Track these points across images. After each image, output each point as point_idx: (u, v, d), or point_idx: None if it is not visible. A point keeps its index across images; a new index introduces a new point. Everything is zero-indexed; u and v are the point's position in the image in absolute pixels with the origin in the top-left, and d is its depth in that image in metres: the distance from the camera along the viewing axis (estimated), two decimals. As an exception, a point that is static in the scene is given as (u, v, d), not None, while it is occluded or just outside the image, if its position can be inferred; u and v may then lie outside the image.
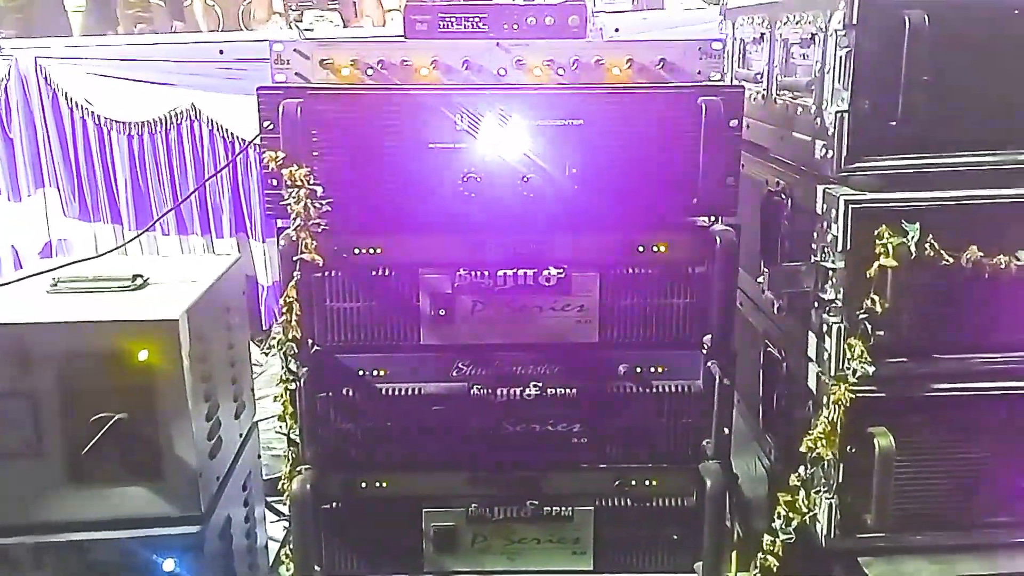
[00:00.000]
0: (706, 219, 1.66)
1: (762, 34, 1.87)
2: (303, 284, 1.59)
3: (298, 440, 1.65)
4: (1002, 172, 1.52)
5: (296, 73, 1.63)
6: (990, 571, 1.63)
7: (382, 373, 1.68)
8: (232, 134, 3.69)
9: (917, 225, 1.50)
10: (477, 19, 1.67)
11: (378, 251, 1.64)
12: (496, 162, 1.60)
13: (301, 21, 3.83)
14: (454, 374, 1.69)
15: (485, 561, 1.74)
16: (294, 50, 1.62)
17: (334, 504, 1.71)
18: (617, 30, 3.77)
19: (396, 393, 1.68)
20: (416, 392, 1.68)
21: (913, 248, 1.49)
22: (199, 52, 3.80)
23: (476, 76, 1.64)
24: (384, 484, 1.72)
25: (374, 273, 1.64)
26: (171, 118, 3.75)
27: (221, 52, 3.72)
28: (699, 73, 1.65)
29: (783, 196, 1.80)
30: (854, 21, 1.45)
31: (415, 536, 1.73)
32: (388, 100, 1.58)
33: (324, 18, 3.82)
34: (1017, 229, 1.52)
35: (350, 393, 1.67)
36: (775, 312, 1.89)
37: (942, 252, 1.50)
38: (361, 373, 1.68)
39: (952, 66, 1.48)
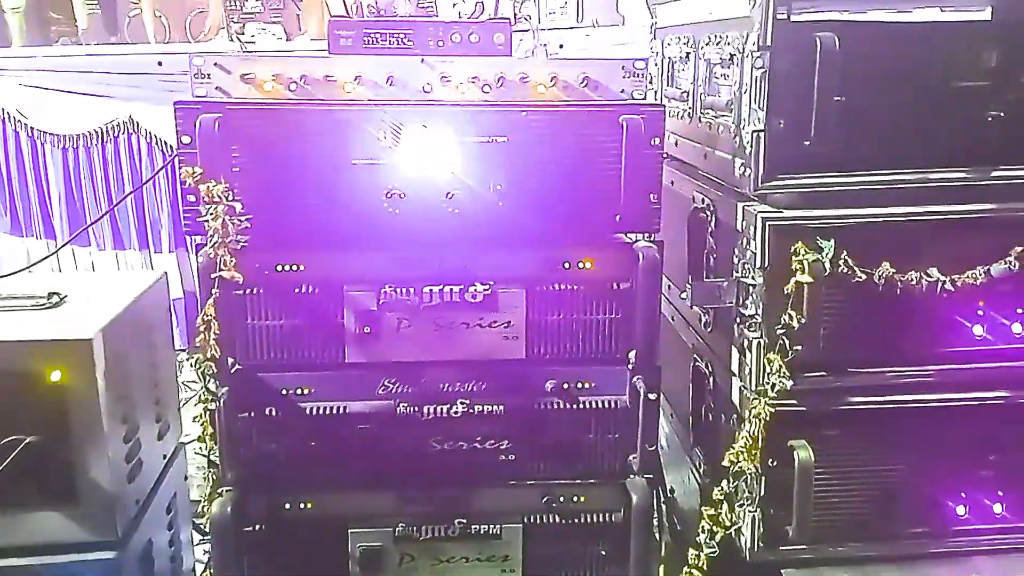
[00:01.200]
0: (631, 236, 1.68)
1: (687, 54, 1.90)
2: (223, 302, 1.56)
3: (218, 461, 1.61)
4: (913, 190, 1.56)
5: (217, 87, 1.61)
6: (908, 581, 1.66)
7: (306, 392, 1.65)
8: (171, 147, 3.63)
9: (832, 242, 1.53)
10: (402, 35, 1.67)
11: (301, 268, 1.62)
12: (420, 178, 1.60)
13: (243, 34, 3.78)
14: (380, 392, 1.67)
15: (413, 581, 1.72)
16: (215, 64, 1.60)
17: (257, 526, 1.68)
18: (561, 46, 3.80)
19: (321, 412, 1.65)
20: (341, 411, 1.66)
21: (828, 264, 1.52)
22: (138, 64, 3.73)
23: (401, 92, 1.63)
24: (309, 505, 1.69)
25: (297, 290, 1.62)
26: (108, 131, 3.68)
27: (160, 64, 3.66)
28: (623, 91, 1.67)
29: (708, 213, 1.82)
30: (768, 43, 1.49)
31: (341, 558, 1.70)
32: (310, 115, 1.57)
33: (267, 31, 3.78)
34: (928, 246, 1.56)
35: (273, 412, 1.65)
36: (703, 327, 1.91)
37: (855, 268, 1.53)
38: (284, 392, 1.65)
39: (863, 87, 1.52)
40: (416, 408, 1.67)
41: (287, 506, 1.68)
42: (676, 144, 2.07)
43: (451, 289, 1.64)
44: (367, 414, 1.66)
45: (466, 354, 1.67)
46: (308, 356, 1.64)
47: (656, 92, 2.22)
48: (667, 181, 2.14)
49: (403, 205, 1.61)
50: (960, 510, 1.66)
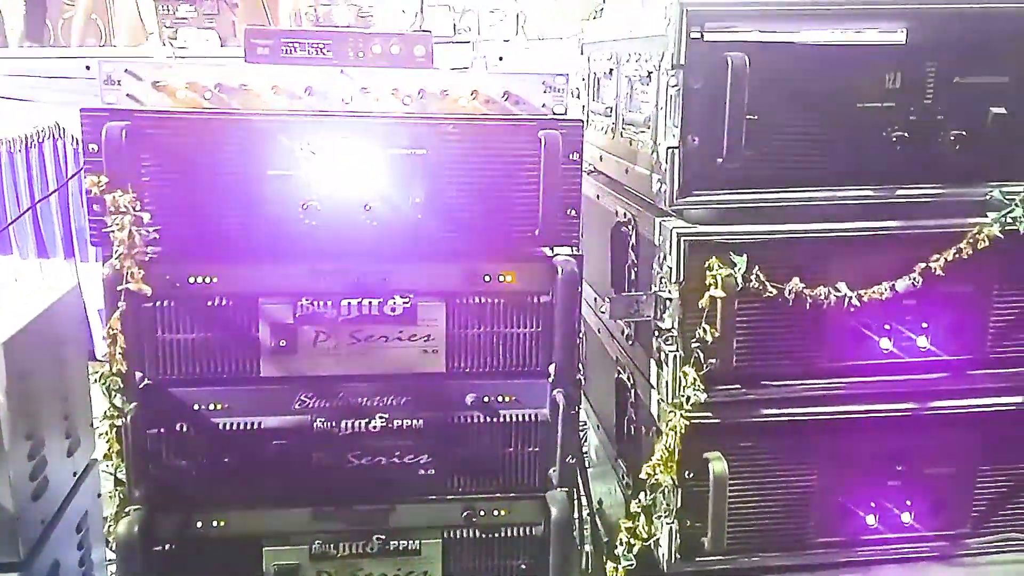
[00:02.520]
0: (551, 249, 1.68)
1: (611, 70, 1.93)
2: (131, 315, 1.52)
3: (125, 479, 1.56)
4: (822, 208, 1.60)
5: (128, 94, 1.57)
6: (821, 589, 1.70)
7: (219, 407, 1.62)
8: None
9: (744, 257, 1.56)
10: (321, 46, 1.66)
11: (214, 280, 1.58)
12: (338, 190, 1.58)
13: (175, 39, 3.71)
14: (296, 407, 1.64)
15: (330, 599, 1.69)
16: (125, 71, 1.56)
17: (167, 545, 1.63)
18: (501, 59, 3.82)
19: (234, 428, 1.62)
20: (256, 426, 1.62)
21: (740, 279, 1.55)
22: (64, 68, 3.62)
23: (320, 102, 1.61)
24: (222, 523, 1.65)
25: (210, 303, 1.58)
26: (33, 136, 3.57)
27: (88, 68, 3.56)
28: (544, 106, 1.68)
29: (629, 227, 1.84)
30: (681, 62, 1.51)
31: (256, 576, 1.67)
32: (223, 125, 1.54)
33: (200, 37, 3.71)
34: (837, 262, 1.60)
35: (184, 428, 1.60)
36: (625, 340, 1.93)
37: (767, 283, 1.56)
38: (196, 407, 1.61)
39: (774, 106, 1.55)
40: (333, 423, 1.64)
41: (199, 524, 1.64)
42: (601, 159, 2.09)
43: (370, 302, 1.62)
44: (282, 429, 1.63)
45: (385, 368, 1.65)
46: (221, 370, 1.60)
47: (584, 107, 2.24)
48: (593, 195, 2.18)
49: (320, 217, 1.59)
50: (870, 519, 1.70)
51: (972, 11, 1.57)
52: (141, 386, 1.56)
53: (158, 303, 1.55)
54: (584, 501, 2.05)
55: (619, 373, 1.99)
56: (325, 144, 1.56)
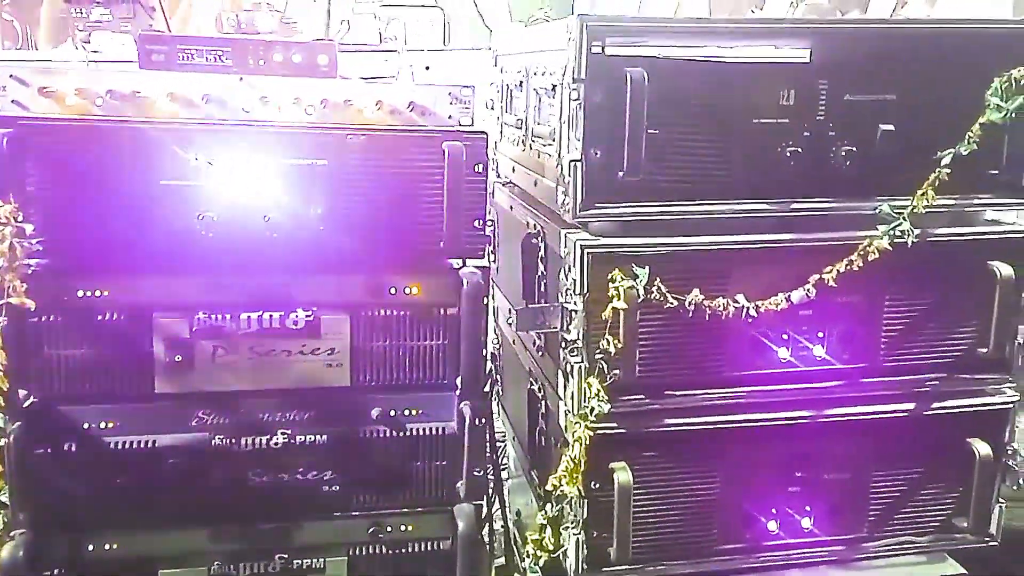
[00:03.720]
0: (457, 261, 1.68)
1: (521, 82, 1.94)
2: (14, 330, 1.46)
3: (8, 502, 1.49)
4: (720, 221, 1.63)
5: (13, 100, 1.51)
6: (725, 595, 1.73)
7: (110, 425, 1.56)
8: None
9: (647, 269, 1.58)
10: (220, 53, 1.62)
11: (105, 294, 1.53)
12: (236, 201, 1.55)
13: (89, 42, 3.58)
14: (193, 424, 1.59)
15: (230, 621, 1.64)
16: (10, 76, 1.50)
17: (56, 571, 1.56)
18: (428, 68, 3.80)
19: (127, 447, 1.56)
20: (150, 445, 1.57)
21: (642, 291, 1.57)
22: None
23: (218, 111, 1.58)
24: (115, 546, 1.59)
25: (100, 318, 1.53)
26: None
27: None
28: (450, 117, 1.67)
29: (539, 239, 1.85)
30: (582, 76, 1.52)
31: (151, 600, 1.61)
32: (114, 133, 1.49)
33: (116, 40, 3.59)
34: (735, 274, 1.63)
35: (72, 448, 1.54)
36: (536, 351, 1.94)
37: (668, 295, 1.58)
38: (87, 426, 1.55)
39: (673, 120, 1.58)
40: (233, 440, 1.60)
41: (90, 547, 1.58)
42: (514, 170, 2.10)
43: (271, 315, 1.59)
44: (179, 448, 1.58)
45: (287, 382, 1.62)
46: (113, 387, 1.55)
47: (499, 118, 2.24)
48: (507, 207, 2.19)
49: (217, 228, 1.55)
50: (771, 526, 1.74)
51: (864, 31, 1.63)
52: (26, 404, 1.49)
53: (43, 318, 1.49)
54: (500, 512, 2.06)
55: (531, 384, 1.99)
56: (222, 154, 1.53)
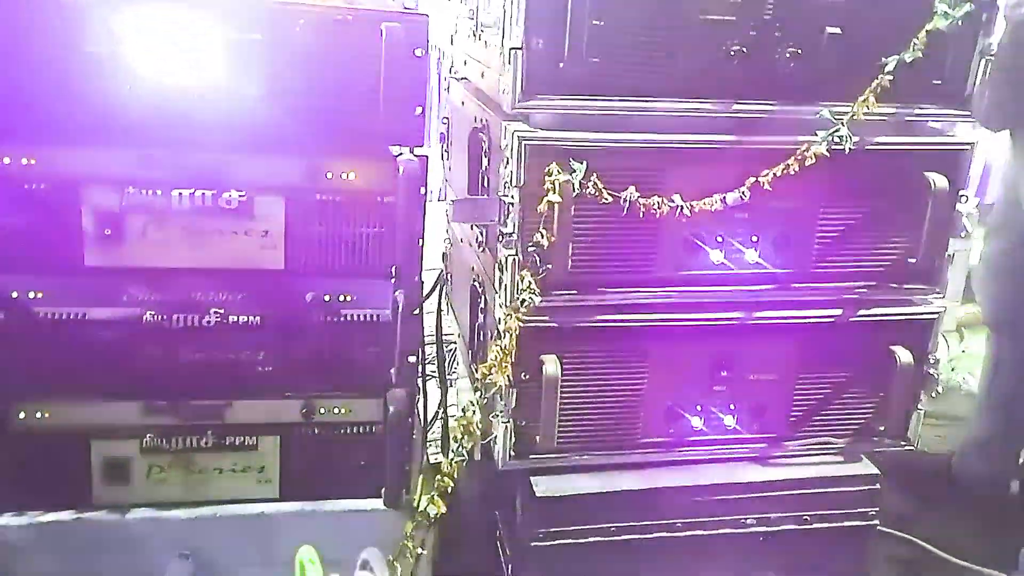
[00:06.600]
0: (396, 148, 1.66)
1: (473, -32, 1.88)
2: (-63, 195, 1.44)
3: (-64, 367, 1.50)
4: (661, 119, 1.62)
5: (-71, -44, 1.44)
6: (647, 485, 1.79)
7: (39, 296, 1.56)
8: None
9: (584, 164, 1.57)
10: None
11: (32, 162, 1.51)
12: (167, 73, 1.51)
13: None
14: (124, 299, 1.60)
15: (163, 492, 1.68)
16: (-74, -72, 1.43)
17: (-13, 436, 1.59)
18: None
19: (56, 318, 1.57)
20: (80, 317, 1.58)
21: (577, 185, 1.57)
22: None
23: (150, -21, 1.52)
24: (46, 415, 1.61)
25: (27, 187, 1.51)
26: None
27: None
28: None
29: (484, 132, 1.83)
30: (526, -41, 1.48)
31: (83, 470, 1.64)
32: (37, -5, 1.44)
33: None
34: (673, 173, 1.63)
35: (1, 316, 1.54)
36: (477, 247, 1.94)
37: (603, 191, 1.59)
38: (14, 295, 1.55)
39: (619, 12, 1.54)
40: (164, 317, 1.61)
41: (21, 415, 1.60)
42: (465, 63, 2.06)
43: (203, 194, 1.58)
44: (110, 321, 1.59)
45: (220, 262, 1.62)
46: (41, 258, 1.54)
47: (457, 13, 2.19)
48: (459, 101, 2.15)
49: (149, 101, 1.51)
50: (695, 422, 1.79)
51: (819, -70, 1.59)
52: (-49, 272, 1.49)
53: (-33, 184, 1.47)
54: (428, 403, 2.10)
55: (474, 281, 2.01)
56: (152, 22, 1.48)
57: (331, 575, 0.78)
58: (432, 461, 2.09)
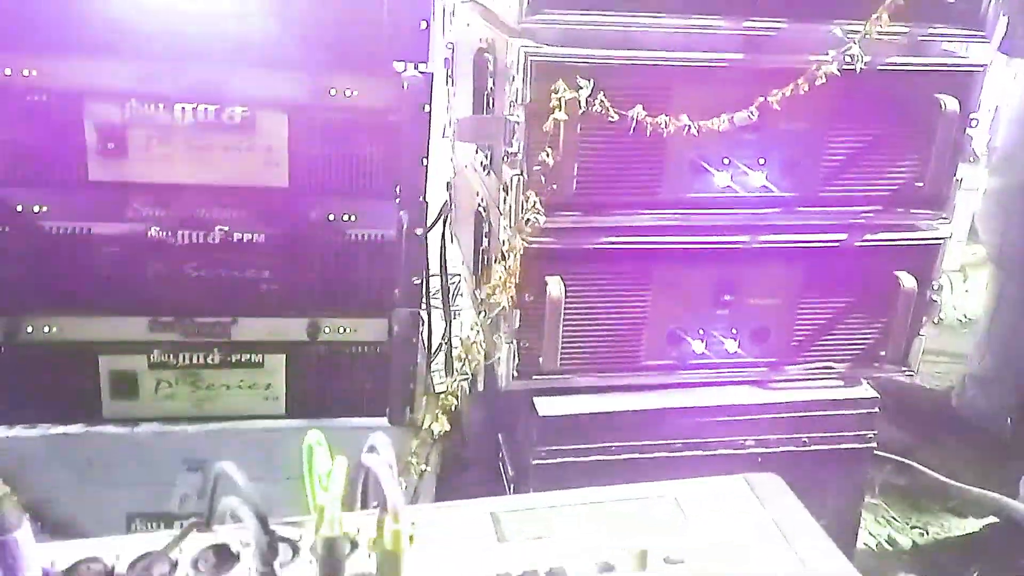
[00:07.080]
0: (400, 65, 1.64)
1: None
2: (-62, 105, 1.43)
3: (-57, 279, 1.51)
4: (670, 35, 1.59)
5: None
6: (648, 406, 1.81)
7: (44, 210, 1.56)
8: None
9: (591, 82, 1.55)
10: None
11: (33, 74, 1.49)
12: (168, -17, 1.49)
13: None
14: (129, 214, 1.60)
15: (171, 407, 1.71)
16: None
17: (-5, 348, 1.61)
18: None
19: (61, 232, 1.57)
20: (86, 231, 1.58)
21: (584, 103, 1.55)
22: None
23: None
24: (54, 329, 1.63)
25: (30, 98, 1.50)
26: None
27: None
28: (402, -89, 1.59)
29: (489, 53, 1.81)
30: None
31: (91, 383, 1.67)
32: (33, -102, 1.41)
33: None
34: (681, 92, 1.61)
35: (6, 230, 1.55)
36: (482, 171, 1.93)
37: (610, 109, 1.57)
38: (19, 209, 1.55)
39: (629, -77, 1.51)
40: (170, 232, 1.62)
41: (29, 329, 1.61)
42: (473, -16, 2.02)
43: (206, 108, 1.56)
44: (115, 236, 1.59)
45: (224, 179, 1.62)
46: (44, 172, 1.54)
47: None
48: (464, 23, 2.12)
49: (153, 12, 1.49)
50: (697, 346, 1.80)
51: None
52: (-45, 183, 1.49)
53: (-32, 94, 1.46)
54: (433, 324, 2.12)
55: (479, 206, 2.00)
56: (151, -71, 1.45)
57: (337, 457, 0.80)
58: (437, 391, 2.11)
